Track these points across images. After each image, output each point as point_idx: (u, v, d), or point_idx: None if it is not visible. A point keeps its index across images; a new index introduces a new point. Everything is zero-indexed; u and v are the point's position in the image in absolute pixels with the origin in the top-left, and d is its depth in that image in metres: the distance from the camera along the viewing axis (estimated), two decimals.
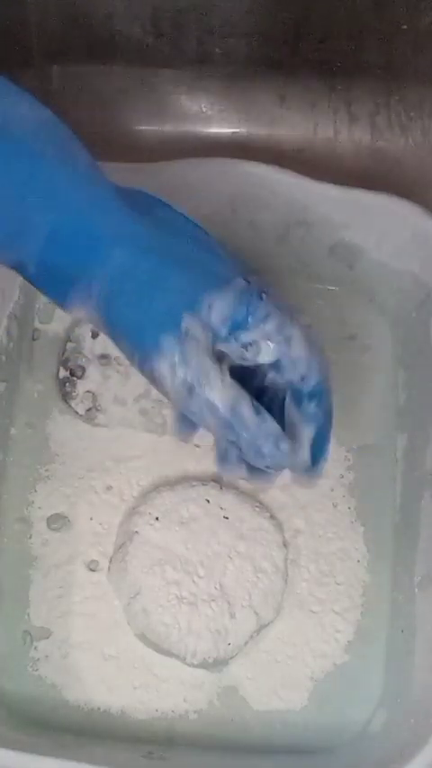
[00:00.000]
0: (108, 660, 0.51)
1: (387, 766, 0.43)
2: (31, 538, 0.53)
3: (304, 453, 0.39)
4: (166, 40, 0.59)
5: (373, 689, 0.50)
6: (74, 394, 0.54)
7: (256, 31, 0.57)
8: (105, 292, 0.36)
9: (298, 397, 0.39)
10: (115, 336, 0.37)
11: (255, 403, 0.37)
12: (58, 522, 0.53)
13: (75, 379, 0.54)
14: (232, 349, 0.37)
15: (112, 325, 0.37)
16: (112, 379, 0.54)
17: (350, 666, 0.51)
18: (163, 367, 0.36)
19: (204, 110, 0.62)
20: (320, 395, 0.40)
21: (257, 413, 0.37)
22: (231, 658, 0.50)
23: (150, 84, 0.62)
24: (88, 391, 0.54)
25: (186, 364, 0.36)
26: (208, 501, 0.52)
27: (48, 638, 0.51)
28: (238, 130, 0.63)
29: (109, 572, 0.52)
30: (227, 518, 0.51)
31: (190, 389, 0.36)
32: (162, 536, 0.50)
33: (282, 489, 0.54)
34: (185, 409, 0.37)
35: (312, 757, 0.49)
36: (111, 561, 0.52)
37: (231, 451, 0.39)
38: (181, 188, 0.52)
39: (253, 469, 0.40)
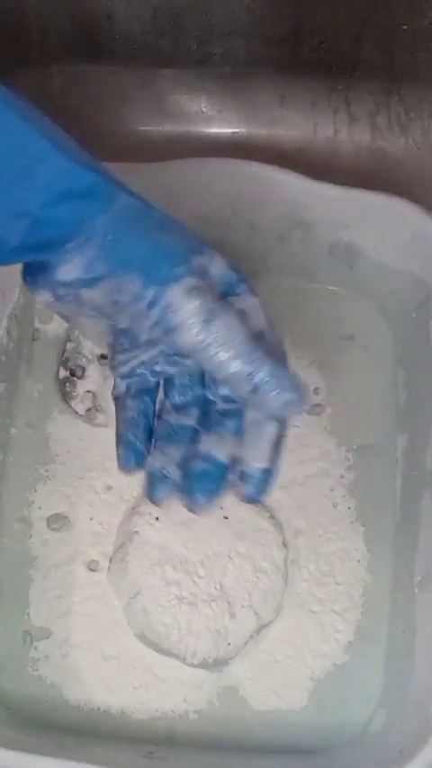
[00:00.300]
0: (108, 660, 0.51)
1: (387, 766, 0.43)
2: (31, 538, 0.53)
3: (267, 453, 0.39)
4: (166, 40, 0.59)
5: (373, 689, 0.50)
6: (74, 394, 0.54)
7: (256, 31, 0.57)
8: (114, 231, 0.35)
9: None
10: (119, 276, 0.36)
11: None
12: (58, 522, 0.53)
13: (75, 379, 0.54)
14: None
15: (120, 263, 0.35)
16: (112, 379, 0.54)
17: (350, 666, 0.51)
18: (178, 294, 0.35)
19: (204, 110, 0.62)
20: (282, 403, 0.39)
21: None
22: (231, 658, 0.50)
23: (150, 84, 0.62)
24: (88, 391, 0.54)
25: (202, 292, 0.35)
26: None
27: (48, 638, 0.51)
28: (238, 130, 0.63)
29: (109, 572, 0.52)
30: (227, 518, 0.51)
31: (207, 318, 0.35)
32: (162, 536, 0.50)
33: (282, 489, 0.54)
34: (193, 344, 0.35)
35: (312, 757, 0.49)
36: (111, 561, 0.52)
37: (171, 471, 0.40)
38: (181, 188, 0.52)
39: (190, 492, 0.40)
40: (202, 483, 0.40)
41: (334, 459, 0.55)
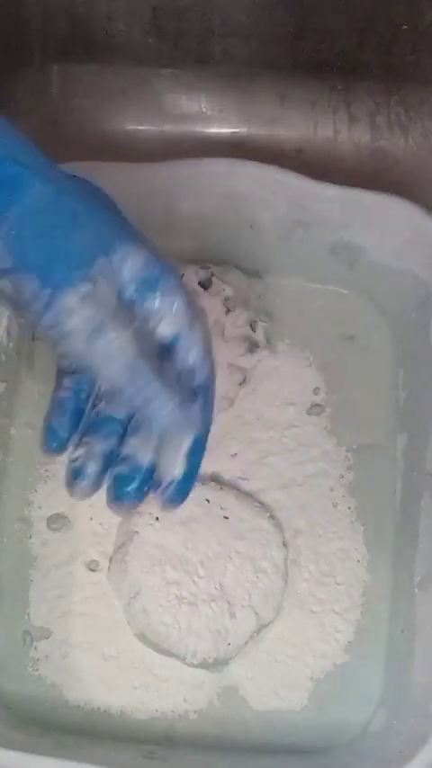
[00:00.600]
0: (108, 660, 0.51)
1: (387, 766, 0.43)
2: (31, 538, 0.53)
3: (180, 461, 0.39)
4: (166, 40, 0.59)
5: (373, 689, 0.50)
6: None
7: (256, 31, 0.57)
8: (19, 225, 0.35)
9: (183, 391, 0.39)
10: (20, 273, 0.35)
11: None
12: (58, 522, 0.53)
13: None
14: (135, 309, 0.37)
15: (20, 260, 0.35)
16: None
17: (350, 666, 0.51)
18: (71, 301, 0.35)
19: (204, 110, 0.62)
20: (206, 394, 0.39)
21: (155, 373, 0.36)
22: (231, 658, 0.50)
23: (150, 85, 0.62)
24: None
25: (97, 301, 0.35)
26: (208, 501, 0.52)
27: (48, 638, 0.51)
28: (238, 130, 0.62)
29: (109, 572, 0.52)
30: (227, 518, 0.51)
31: (96, 329, 0.35)
32: (162, 536, 0.50)
33: (282, 489, 0.54)
34: (80, 354, 0.36)
35: (312, 757, 0.49)
36: (111, 561, 0.52)
37: (89, 466, 0.39)
38: (181, 188, 0.52)
39: (116, 492, 0.39)
40: (122, 489, 0.39)
41: (334, 459, 0.55)
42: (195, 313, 0.38)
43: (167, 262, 0.38)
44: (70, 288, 0.35)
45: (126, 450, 0.39)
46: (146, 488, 0.39)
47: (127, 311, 0.37)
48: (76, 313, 0.35)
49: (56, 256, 0.35)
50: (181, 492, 0.39)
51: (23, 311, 0.37)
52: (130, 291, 0.36)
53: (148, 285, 0.37)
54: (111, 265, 0.36)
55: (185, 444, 0.39)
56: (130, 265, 0.36)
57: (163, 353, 0.38)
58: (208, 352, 0.39)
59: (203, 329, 0.39)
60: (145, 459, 0.39)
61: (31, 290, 0.35)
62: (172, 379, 0.38)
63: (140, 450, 0.39)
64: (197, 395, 0.39)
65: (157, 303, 0.37)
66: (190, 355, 0.38)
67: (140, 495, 0.39)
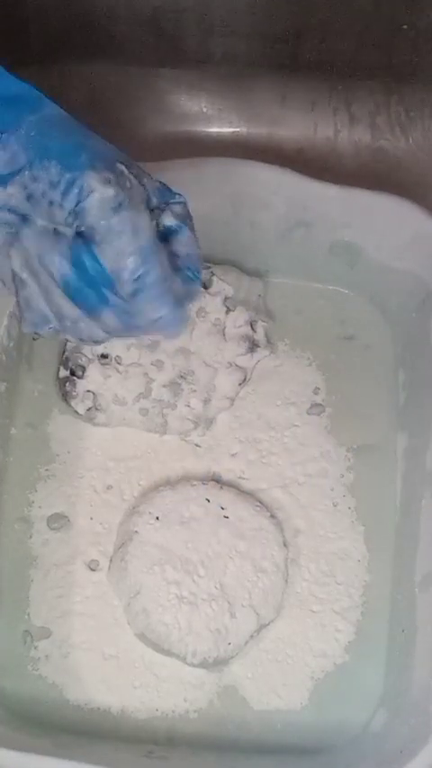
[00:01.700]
0: (108, 660, 0.51)
1: (387, 766, 0.43)
2: (31, 538, 0.53)
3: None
4: (166, 40, 0.59)
5: (373, 689, 0.50)
6: (74, 394, 0.54)
7: (256, 31, 0.57)
8: (39, 127, 0.36)
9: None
10: (40, 163, 0.36)
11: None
12: (58, 521, 0.53)
13: (75, 378, 0.54)
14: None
15: (41, 152, 0.36)
16: (112, 379, 0.54)
17: (350, 666, 0.51)
18: (92, 181, 0.35)
19: (204, 110, 0.62)
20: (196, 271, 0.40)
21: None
22: (231, 658, 0.50)
23: (150, 84, 0.62)
24: (88, 391, 0.54)
25: (122, 181, 0.35)
26: (208, 500, 0.52)
27: (48, 637, 0.51)
28: (238, 130, 0.63)
29: (109, 572, 0.52)
30: (227, 518, 0.51)
31: (117, 207, 0.35)
32: (162, 536, 0.50)
33: (282, 489, 0.54)
34: (94, 226, 0.35)
35: (312, 757, 0.49)
36: (111, 561, 0.52)
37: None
38: (181, 188, 0.52)
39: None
40: None
41: (334, 460, 0.55)
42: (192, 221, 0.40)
43: None
44: (93, 171, 0.35)
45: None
46: None
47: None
48: (99, 190, 0.35)
49: (78, 146, 0.36)
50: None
51: (36, 210, 0.36)
52: (140, 197, 0.37)
53: (162, 196, 0.38)
54: (128, 171, 0.36)
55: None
56: (145, 178, 0.37)
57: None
58: (200, 254, 0.40)
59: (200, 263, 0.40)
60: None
61: (50, 178, 0.35)
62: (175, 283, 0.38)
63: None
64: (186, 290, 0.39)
65: (170, 217, 0.38)
66: (187, 246, 0.39)
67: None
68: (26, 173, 0.36)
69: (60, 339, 0.54)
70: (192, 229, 0.39)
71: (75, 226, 0.36)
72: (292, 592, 0.52)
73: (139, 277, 0.36)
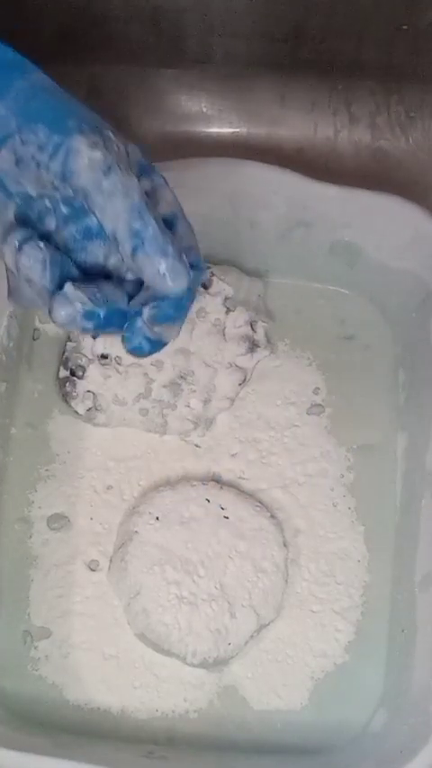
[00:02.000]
0: (108, 660, 0.51)
1: (387, 766, 0.43)
2: (31, 538, 0.53)
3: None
4: (166, 40, 0.59)
5: (373, 689, 0.50)
6: (74, 394, 0.54)
7: (256, 31, 0.57)
8: (27, 93, 0.36)
9: None
10: (28, 126, 0.36)
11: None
12: (58, 521, 0.53)
13: (75, 378, 0.54)
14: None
15: (30, 116, 0.36)
16: (112, 379, 0.54)
17: (350, 666, 0.51)
18: (82, 144, 0.35)
19: (204, 110, 0.62)
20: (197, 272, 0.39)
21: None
22: (231, 658, 0.50)
23: (150, 84, 0.62)
24: (88, 391, 0.54)
25: (109, 145, 0.35)
26: (208, 501, 0.52)
27: (48, 637, 0.51)
28: (238, 130, 0.63)
29: (109, 572, 0.52)
30: (227, 518, 0.51)
31: (108, 168, 0.35)
32: (162, 536, 0.50)
33: (282, 489, 0.54)
34: (85, 187, 0.35)
35: (312, 757, 0.49)
36: (111, 561, 0.52)
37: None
38: (181, 188, 0.52)
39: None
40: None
41: (334, 460, 0.55)
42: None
43: None
44: (80, 135, 0.35)
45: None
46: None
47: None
48: (88, 153, 0.35)
49: (66, 111, 0.36)
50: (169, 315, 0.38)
51: (24, 175, 0.36)
52: (125, 162, 0.37)
53: (142, 170, 0.38)
54: (113, 138, 0.36)
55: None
56: (128, 146, 0.37)
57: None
58: (197, 242, 0.40)
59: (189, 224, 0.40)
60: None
61: (38, 141, 0.35)
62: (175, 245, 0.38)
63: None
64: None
65: (151, 185, 0.38)
66: (184, 236, 0.39)
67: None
68: (16, 137, 0.36)
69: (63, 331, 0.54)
70: (185, 218, 0.39)
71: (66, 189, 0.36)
72: (292, 592, 0.52)
73: (137, 233, 0.36)
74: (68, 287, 0.36)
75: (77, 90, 0.61)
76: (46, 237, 0.37)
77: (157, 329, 0.38)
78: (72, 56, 0.60)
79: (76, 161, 0.35)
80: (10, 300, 0.39)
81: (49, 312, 0.37)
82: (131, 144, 0.38)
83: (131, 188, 0.36)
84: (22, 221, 0.38)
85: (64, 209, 0.37)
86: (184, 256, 0.37)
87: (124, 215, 0.36)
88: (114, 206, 0.36)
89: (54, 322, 0.37)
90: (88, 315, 0.36)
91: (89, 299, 0.36)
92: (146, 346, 0.38)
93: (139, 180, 0.37)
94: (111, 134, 0.36)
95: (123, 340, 0.38)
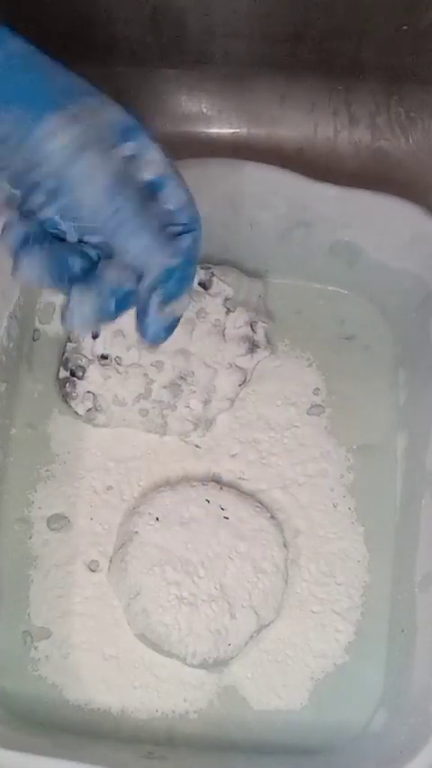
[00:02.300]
0: (108, 660, 0.51)
1: (387, 766, 0.43)
2: (31, 538, 0.53)
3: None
4: (166, 40, 0.59)
5: (373, 689, 0.50)
6: (74, 394, 0.54)
7: (256, 31, 0.57)
8: (2, 67, 0.35)
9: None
10: (4, 103, 0.35)
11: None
12: (58, 522, 0.53)
13: (75, 379, 0.54)
14: (116, 155, 0.36)
15: (5, 95, 0.35)
16: (112, 380, 0.54)
17: (350, 666, 0.51)
18: (55, 123, 0.34)
19: (204, 110, 0.62)
20: (192, 236, 0.38)
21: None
22: (231, 658, 0.50)
23: (150, 84, 0.62)
24: (88, 391, 0.54)
25: (84, 118, 0.35)
26: (208, 501, 0.52)
27: (48, 638, 0.51)
28: (238, 130, 0.63)
29: (109, 572, 0.52)
30: (227, 518, 0.51)
31: (80, 148, 0.34)
32: (162, 536, 0.50)
33: (282, 489, 0.54)
34: (62, 175, 0.35)
35: (312, 757, 0.49)
36: (111, 562, 0.52)
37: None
38: None
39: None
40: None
41: (334, 460, 0.55)
42: (173, 166, 0.38)
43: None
44: (55, 113, 0.34)
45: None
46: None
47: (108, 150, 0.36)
48: (65, 129, 0.34)
49: (42, 84, 0.35)
50: (154, 330, 0.38)
51: (6, 151, 0.35)
52: (113, 137, 0.36)
53: (125, 134, 0.36)
54: (93, 106, 0.36)
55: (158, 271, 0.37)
56: (108, 111, 0.36)
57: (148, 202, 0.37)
58: (191, 198, 0.38)
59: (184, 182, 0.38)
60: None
61: (14, 116, 0.35)
62: (154, 220, 0.37)
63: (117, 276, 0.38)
64: (182, 238, 0.38)
65: (133, 149, 0.37)
66: (174, 197, 0.38)
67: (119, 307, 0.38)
68: None
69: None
70: (175, 176, 0.38)
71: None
72: (292, 592, 0.52)
73: (110, 216, 0.35)
74: (74, 299, 0.36)
75: None
76: (40, 218, 0.36)
77: (167, 309, 0.37)
78: (72, 56, 0.60)
79: (47, 144, 0.34)
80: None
81: (62, 322, 0.37)
82: (113, 106, 0.37)
83: (102, 170, 0.35)
84: (18, 200, 0.37)
85: (51, 185, 0.36)
86: (172, 228, 0.36)
87: (95, 199, 0.35)
88: (86, 190, 0.35)
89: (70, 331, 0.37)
90: (100, 315, 0.36)
91: (96, 298, 0.36)
92: (162, 333, 0.38)
93: (119, 147, 0.36)
94: (90, 100, 0.36)
95: (139, 332, 0.38)
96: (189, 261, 0.38)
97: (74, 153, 0.35)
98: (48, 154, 0.35)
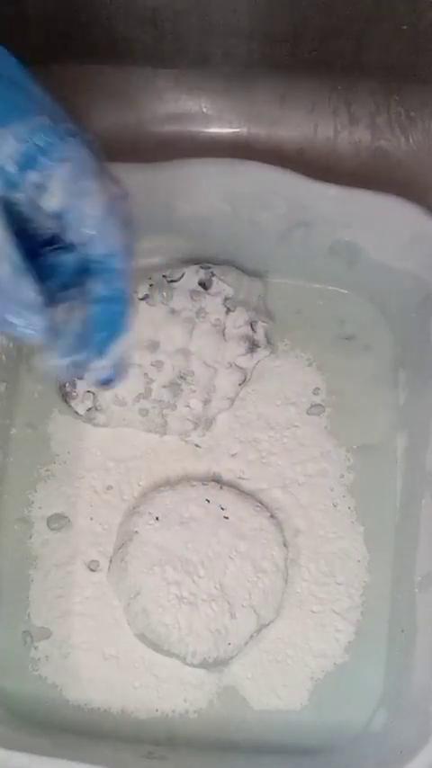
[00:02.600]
0: (108, 660, 0.51)
1: (387, 766, 0.43)
2: (31, 538, 0.53)
3: (69, 339, 0.36)
4: (166, 40, 0.59)
5: (373, 689, 0.50)
6: (74, 394, 0.54)
7: (256, 31, 0.57)
8: None
9: (93, 271, 0.35)
10: None
11: (22, 263, 0.33)
12: (58, 522, 0.53)
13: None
14: (20, 191, 0.34)
15: None
16: None
17: (350, 666, 0.51)
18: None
19: (204, 110, 0.62)
20: (110, 269, 0.35)
21: (19, 273, 0.33)
22: (231, 658, 0.50)
23: (150, 85, 0.62)
24: (88, 391, 0.54)
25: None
26: (208, 501, 0.52)
27: (48, 638, 0.51)
28: (238, 130, 0.62)
29: (109, 572, 0.52)
30: (227, 518, 0.51)
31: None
32: (162, 536, 0.50)
33: (282, 489, 0.54)
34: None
35: (312, 757, 0.49)
36: (111, 561, 0.52)
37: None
38: (181, 188, 0.52)
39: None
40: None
41: (334, 460, 0.55)
42: (91, 174, 0.35)
43: (65, 126, 0.35)
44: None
45: None
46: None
47: (10, 189, 0.34)
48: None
49: None
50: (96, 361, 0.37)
51: None
52: (11, 171, 0.34)
53: (28, 163, 0.34)
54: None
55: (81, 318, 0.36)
56: (8, 145, 0.34)
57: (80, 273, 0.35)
58: (112, 219, 0.35)
59: (104, 191, 0.35)
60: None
61: None
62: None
63: None
64: (103, 271, 0.35)
65: (37, 178, 0.34)
66: (84, 230, 0.35)
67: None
68: None
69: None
70: (96, 203, 0.35)
71: None
72: (292, 592, 0.52)
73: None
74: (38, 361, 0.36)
75: (78, 90, 0.61)
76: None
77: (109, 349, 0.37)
78: (72, 56, 0.60)
79: None
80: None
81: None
82: (21, 125, 0.34)
83: None
84: None
85: None
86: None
87: None
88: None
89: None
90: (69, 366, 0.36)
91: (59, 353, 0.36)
92: (111, 374, 0.38)
93: (25, 172, 0.33)
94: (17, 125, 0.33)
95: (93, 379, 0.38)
96: (111, 302, 0.36)
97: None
98: None
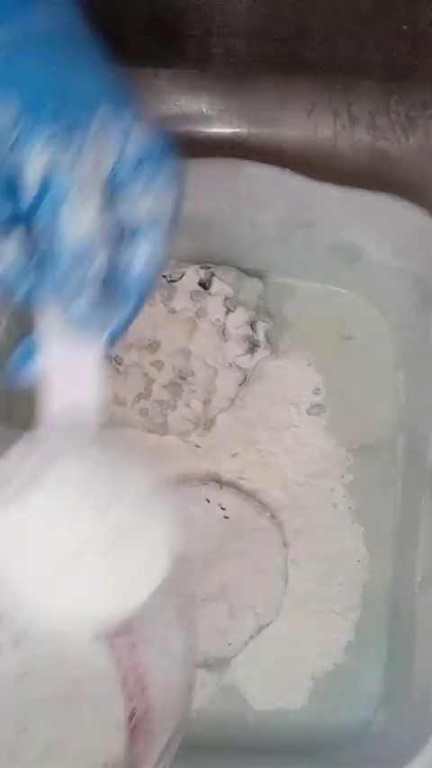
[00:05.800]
0: None
1: (387, 766, 0.43)
2: None
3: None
4: (166, 40, 0.59)
5: (373, 689, 0.50)
6: None
7: (256, 31, 0.57)
8: (14, 48, 0.31)
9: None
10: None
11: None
12: None
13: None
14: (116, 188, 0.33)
15: (6, 79, 0.31)
16: (111, 379, 0.54)
17: (350, 666, 0.51)
18: (43, 135, 0.30)
19: (204, 110, 0.62)
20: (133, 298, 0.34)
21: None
22: (232, 658, 0.50)
23: (150, 85, 0.62)
24: None
25: (67, 143, 0.30)
26: (208, 501, 0.52)
27: None
28: (238, 130, 0.62)
29: None
30: (227, 518, 0.51)
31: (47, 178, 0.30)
32: None
33: (282, 489, 0.54)
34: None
35: (312, 757, 0.49)
36: None
37: None
38: None
39: None
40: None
41: (334, 459, 0.55)
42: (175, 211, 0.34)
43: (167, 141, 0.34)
44: (51, 121, 0.30)
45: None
46: None
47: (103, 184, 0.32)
48: (44, 153, 0.30)
49: (50, 83, 0.30)
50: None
51: None
52: (121, 167, 0.32)
53: (142, 166, 0.33)
54: (112, 122, 0.31)
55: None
56: (132, 136, 0.32)
57: None
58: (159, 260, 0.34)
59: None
60: None
61: (5, 116, 0.30)
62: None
63: None
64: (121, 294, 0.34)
65: (141, 189, 0.33)
66: (142, 266, 0.34)
67: None
68: None
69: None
70: (164, 238, 0.34)
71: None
72: (292, 592, 0.52)
73: None
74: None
75: None
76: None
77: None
78: None
79: (29, 164, 0.30)
80: None
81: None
82: (138, 127, 0.33)
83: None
84: None
85: None
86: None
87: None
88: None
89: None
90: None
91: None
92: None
93: (124, 184, 0.32)
94: (105, 118, 0.31)
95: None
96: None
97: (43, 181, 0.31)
98: (21, 170, 0.31)
